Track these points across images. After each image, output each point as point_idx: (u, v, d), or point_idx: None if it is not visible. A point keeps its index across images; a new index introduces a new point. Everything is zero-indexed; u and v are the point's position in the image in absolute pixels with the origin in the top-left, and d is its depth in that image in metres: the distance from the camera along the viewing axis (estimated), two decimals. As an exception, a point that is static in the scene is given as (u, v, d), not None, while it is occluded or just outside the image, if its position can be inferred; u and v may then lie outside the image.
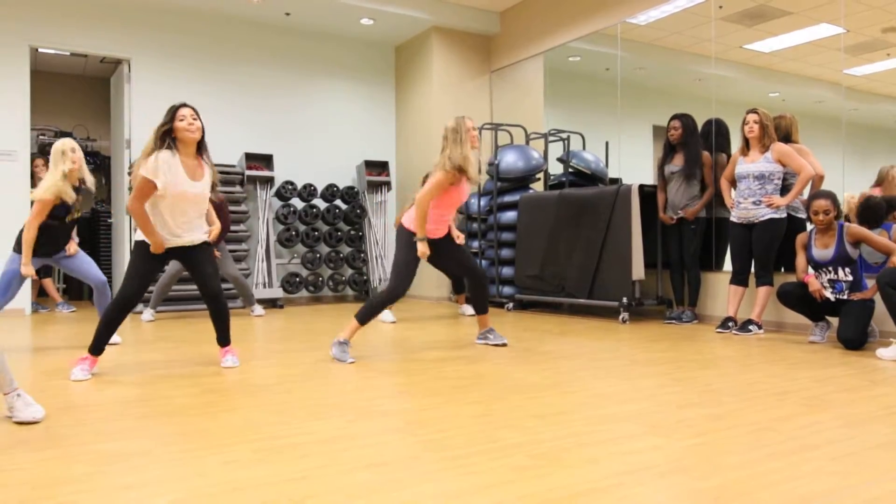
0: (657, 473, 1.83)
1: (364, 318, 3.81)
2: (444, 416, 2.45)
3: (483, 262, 7.05)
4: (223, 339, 3.60)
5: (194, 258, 3.45)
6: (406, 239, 3.95)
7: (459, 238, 4.19)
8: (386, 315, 5.74)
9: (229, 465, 1.91)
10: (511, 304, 6.57)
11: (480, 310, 4.24)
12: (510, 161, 6.78)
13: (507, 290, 6.80)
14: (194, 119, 3.30)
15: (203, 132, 3.35)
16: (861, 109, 5.28)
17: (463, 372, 3.35)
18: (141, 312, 6.26)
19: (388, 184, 8.11)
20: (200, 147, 3.39)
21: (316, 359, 3.77)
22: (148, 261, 3.32)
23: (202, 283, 3.45)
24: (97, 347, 3.30)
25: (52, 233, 4.15)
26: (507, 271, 6.82)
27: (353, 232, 7.91)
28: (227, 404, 2.67)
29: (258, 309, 6.32)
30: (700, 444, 2.10)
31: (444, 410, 2.55)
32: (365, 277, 7.89)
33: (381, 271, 7.94)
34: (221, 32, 7.52)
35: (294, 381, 3.13)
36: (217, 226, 4.99)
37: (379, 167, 8.10)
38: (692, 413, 2.49)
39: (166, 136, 3.26)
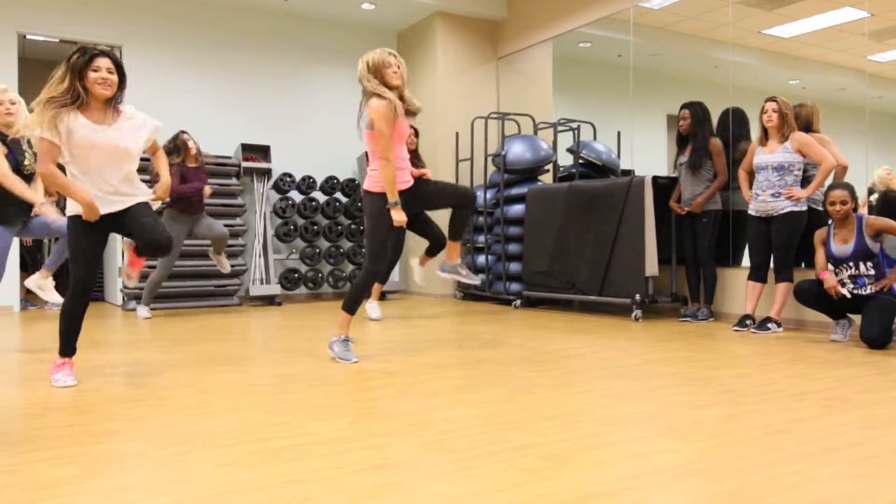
0: (671, 476, 1.84)
1: (351, 306, 3.66)
2: (449, 417, 2.46)
3: (489, 257, 7.06)
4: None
5: (130, 217, 3.14)
6: (373, 206, 3.62)
7: (426, 173, 3.83)
8: (372, 311, 5.72)
9: (226, 467, 1.93)
10: (518, 302, 6.58)
11: (455, 235, 3.90)
12: (517, 152, 6.77)
13: (514, 286, 6.80)
14: (111, 72, 3.03)
15: (119, 86, 3.08)
16: (885, 97, 5.25)
17: (468, 371, 3.36)
18: (135, 309, 6.29)
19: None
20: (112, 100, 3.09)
21: (316, 358, 3.78)
22: (87, 234, 3.05)
23: (143, 234, 3.13)
24: (66, 348, 3.14)
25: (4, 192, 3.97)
26: (514, 267, 6.83)
27: (353, 226, 7.93)
28: (224, 404, 2.68)
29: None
30: (715, 445, 2.11)
31: (448, 411, 2.56)
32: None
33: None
34: (217, 18, 7.53)
35: (293, 381, 3.14)
36: (164, 180, 3.52)
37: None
38: (707, 414, 2.50)
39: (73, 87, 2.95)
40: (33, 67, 9.04)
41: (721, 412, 2.53)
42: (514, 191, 6.84)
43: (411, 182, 3.74)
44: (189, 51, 7.38)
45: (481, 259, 7.22)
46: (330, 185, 7.80)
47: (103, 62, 3.01)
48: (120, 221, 3.15)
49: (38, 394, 2.91)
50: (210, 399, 2.79)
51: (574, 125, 6.92)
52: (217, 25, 7.53)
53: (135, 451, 2.08)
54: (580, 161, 6.67)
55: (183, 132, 6.01)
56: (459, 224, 3.89)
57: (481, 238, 7.23)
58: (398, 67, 3.64)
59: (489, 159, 7.40)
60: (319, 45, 8.10)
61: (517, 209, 6.78)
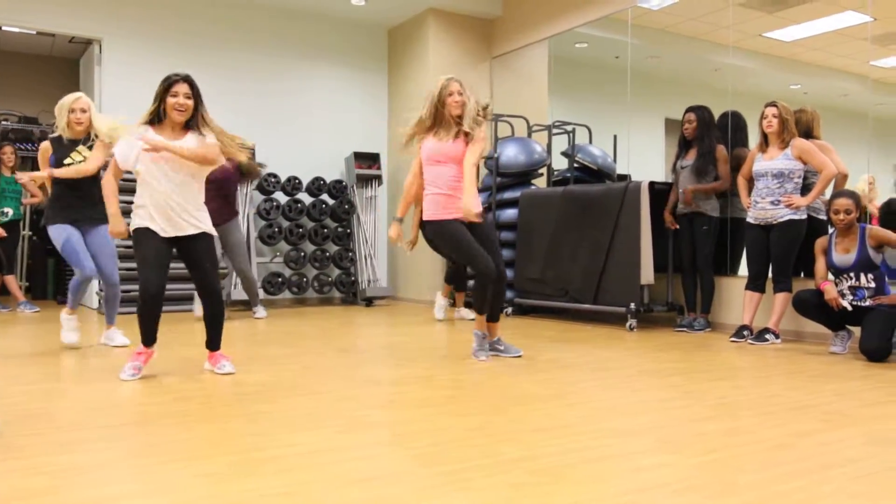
0: (667, 492, 1.83)
1: (480, 306, 3.98)
2: (439, 429, 2.46)
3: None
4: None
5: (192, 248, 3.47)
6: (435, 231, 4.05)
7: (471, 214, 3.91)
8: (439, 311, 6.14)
9: (204, 479, 1.91)
10: (510, 309, 6.58)
11: (480, 309, 4.07)
12: (511, 155, 6.78)
13: (506, 293, 6.79)
14: (188, 98, 3.36)
15: (196, 110, 3.40)
16: (889, 104, 5.30)
17: (459, 381, 3.35)
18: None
19: (378, 177, 8.11)
20: (189, 124, 3.42)
21: (300, 365, 3.77)
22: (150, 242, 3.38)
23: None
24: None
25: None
26: (506, 273, 6.82)
27: (340, 229, 7.91)
28: (203, 413, 2.66)
29: (261, 310, 6.41)
30: (713, 460, 2.11)
31: (438, 422, 2.55)
32: (353, 278, 7.88)
33: (369, 272, 7.93)
34: (201, 13, 7.50)
35: (276, 390, 3.12)
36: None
37: (369, 159, 8.10)
38: (705, 428, 2.50)
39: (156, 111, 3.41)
40: (9, 60, 9.00)
41: (718, 426, 2.54)
42: (507, 195, 6.84)
43: (458, 215, 3.93)
44: (172, 46, 7.34)
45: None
46: (316, 186, 7.78)
47: (181, 88, 3.35)
48: (183, 245, 3.43)
49: (6, 401, 2.87)
50: (189, 408, 2.76)
51: (569, 128, 6.94)
52: (201, 20, 7.50)
53: (109, 461, 2.06)
54: (575, 165, 6.68)
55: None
56: (478, 297, 4.01)
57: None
58: (459, 95, 4.02)
59: (481, 162, 7.40)
60: (308, 42, 8.09)
61: (510, 214, 6.78)
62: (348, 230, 7.97)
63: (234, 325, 5.79)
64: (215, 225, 5.72)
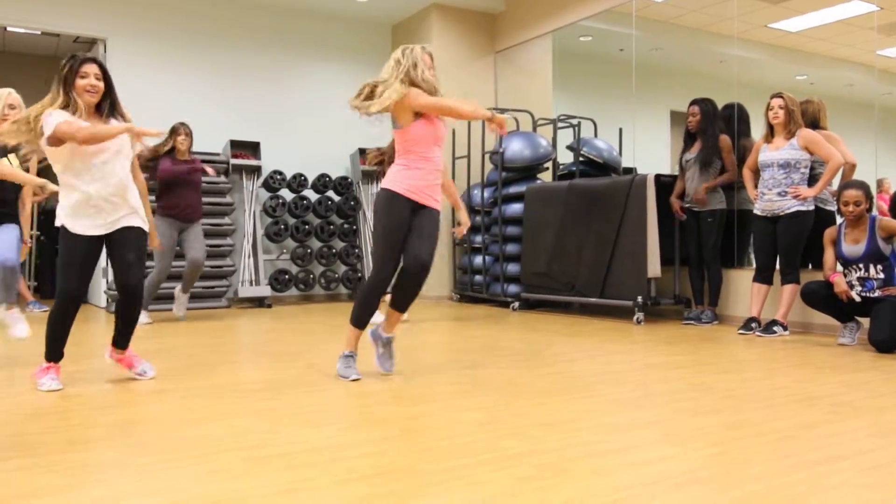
0: (672, 485, 1.83)
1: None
2: (444, 424, 2.46)
3: (487, 258, 7.05)
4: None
5: (117, 241, 3.17)
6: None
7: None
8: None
9: (211, 476, 1.92)
10: (517, 304, 6.58)
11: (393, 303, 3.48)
12: (516, 149, 6.77)
13: (512, 288, 6.80)
14: (98, 79, 3.08)
15: (107, 91, 3.13)
16: (895, 93, 5.27)
17: (463, 376, 3.35)
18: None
19: (384, 173, 8.10)
20: (102, 108, 3.14)
21: (306, 362, 3.78)
22: (78, 244, 3.08)
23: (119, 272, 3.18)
24: (53, 353, 3.14)
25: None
26: (512, 268, 6.83)
27: (346, 226, 7.92)
28: (210, 411, 2.67)
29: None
30: (718, 453, 2.11)
31: (443, 417, 2.55)
32: (359, 275, 7.90)
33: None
34: (205, 11, 7.51)
35: (282, 387, 3.13)
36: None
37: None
38: (710, 420, 2.50)
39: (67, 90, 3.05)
40: (14, 60, 9.03)
41: (725, 418, 2.53)
42: (513, 189, 6.84)
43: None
44: (176, 44, 7.36)
45: (478, 260, 7.21)
46: (322, 183, 7.79)
47: (91, 68, 3.06)
48: (109, 239, 3.15)
49: (16, 399, 2.89)
50: (196, 405, 2.78)
51: (574, 121, 6.92)
52: (205, 18, 7.51)
53: (116, 460, 2.07)
54: (580, 159, 6.67)
55: (181, 123, 5.86)
56: (400, 293, 3.41)
57: (478, 238, 7.23)
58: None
59: (486, 157, 7.40)
60: (312, 39, 8.09)
61: (515, 208, 6.78)
62: (354, 226, 7.97)
63: (240, 322, 5.81)
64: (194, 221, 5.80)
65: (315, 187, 7.79)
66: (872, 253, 4.19)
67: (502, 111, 7.20)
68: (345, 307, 7.12)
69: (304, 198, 7.64)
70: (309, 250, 7.63)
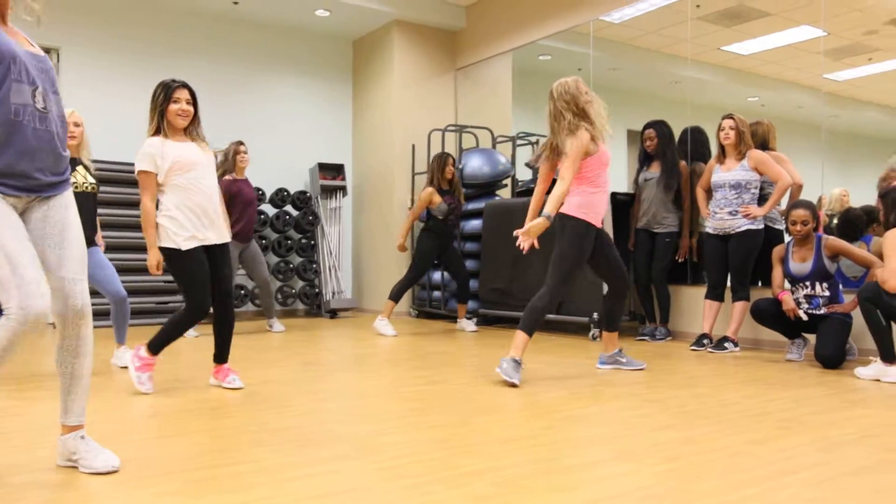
0: (626, 502, 1.85)
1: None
2: (401, 442, 2.45)
3: (445, 274, 7.07)
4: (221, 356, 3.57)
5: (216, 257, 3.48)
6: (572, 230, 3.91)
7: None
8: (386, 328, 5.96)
9: (162, 498, 1.88)
10: (475, 320, 6.59)
11: (607, 324, 4.12)
12: (475, 166, 6.82)
13: (470, 304, 6.82)
14: (189, 104, 3.38)
15: (195, 116, 3.44)
16: (842, 116, 5.45)
17: (423, 393, 3.35)
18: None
19: (343, 188, 8.08)
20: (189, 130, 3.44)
21: (262, 379, 3.73)
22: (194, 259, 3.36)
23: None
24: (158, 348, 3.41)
25: None
26: (471, 284, 6.84)
27: (304, 241, 7.86)
28: (161, 430, 2.62)
29: (278, 324, 6.33)
30: (672, 469, 2.14)
31: (401, 435, 2.55)
32: (317, 290, 7.83)
33: (334, 283, 7.89)
34: (162, 22, 7.42)
35: (237, 404, 3.09)
36: None
37: (334, 170, 8.07)
38: (665, 436, 2.54)
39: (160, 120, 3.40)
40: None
41: (678, 434, 2.57)
42: (472, 206, 6.87)
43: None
44: (132, 55, 7.24)
45: (437, 276, 7.22)
46: (280, 197, 7.73)
47: (182, 94, 3.36)
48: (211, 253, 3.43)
49: (-42, 419, 2.79)
50: (147, 424, 2.72)
51: (533, 139, 7.00)
52: (163, 29, 7.42)
53: (62, 482, 2.01)
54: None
55: (240, 143, 6.00)
56: (610, 311, 4.07)
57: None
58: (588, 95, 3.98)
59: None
60: (272, 53, 8.05)
61: (474, 224, 6.81)
62: (312, 241, 7.92)
63: (193, 339, 5.71)
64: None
65: (273, 202, 7.73)
66: (818, 271, 4.31)
67: (462, 128, 7.26)
68: (302, 323, 7.05)
69: (261, 212, 7.56)
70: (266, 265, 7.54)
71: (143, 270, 6.64)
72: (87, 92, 6.84)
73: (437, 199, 6.03)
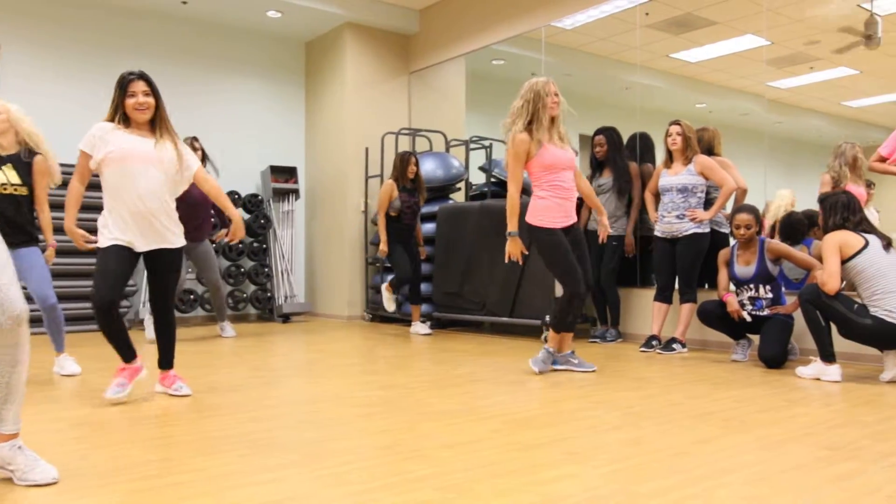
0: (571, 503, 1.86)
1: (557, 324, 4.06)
2: (347, 448, 2.43)
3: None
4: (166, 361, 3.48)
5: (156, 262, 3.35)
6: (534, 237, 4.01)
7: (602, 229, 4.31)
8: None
9: (97, 510, 1.82)
10: (429, 323, 6.58)
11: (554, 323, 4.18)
12: (429, 169, 6.82)
13: (424, 307, 6.80)
14: (147, 95, 3.19)
15: (157, 108, 3.25)
16: (785, 123, 5.61)
17: (371, 398, 3.32)
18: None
19: (296, 191, 8.00)
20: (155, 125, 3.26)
21: (207, 386, 3.66)
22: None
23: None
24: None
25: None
26: (424, 288, 6.83)
27: (256, 244, 7.75)
28: (99, 440, 2.54)
29: (229, 329, 6.21)
30: (616, 470, 2.16)
31: (347, 441, 2.52)
32: (269, 294, 7.73)
33: (286, 288, 7.80)
34: (107, 21, 7.24)
35: (179, 412, 3.02)
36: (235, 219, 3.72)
37: (286, 173, 7.98)
38: (610, 438, 2.56)
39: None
40: None
41: (624, 435, 2.60)
42: (425, 209, 6.86)
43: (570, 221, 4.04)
44: (75, 56, 7.05)
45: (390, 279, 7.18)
46: (231, 200, 7.60)
47: (138, 86, 3.18)
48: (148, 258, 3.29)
49: None
50: (83, 434, 2.64)
51: (486, 143, 7.03)
52: (108, 29, 7.24)
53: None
54: (492, 180, 6.77)
55: (194, 138, 5.84)
56: (563, 312, 4.09)
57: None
58: (557, 96, 4.01)
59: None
60: (222, 53, 7.92)
61: (428, 228, 6.80)
62: (264, 245, 7.82)
63: (136, 345, 5.58)
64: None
65: (224, 204, 7.60)
66: (762, 274, 4.42)
67: (416, 131, 7.25)
68: (253, 327, 6.94)
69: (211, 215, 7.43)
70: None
71: (82, 275, 6.46)
72: (27, 93, 6.63)
73: (396, 193, 6.02)
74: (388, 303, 6.10)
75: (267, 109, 8.21)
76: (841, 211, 3.92)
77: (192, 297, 7.23)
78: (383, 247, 6.07)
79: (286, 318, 7.65)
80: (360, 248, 7.81)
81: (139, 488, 1.99)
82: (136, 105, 3.16)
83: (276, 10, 7.51)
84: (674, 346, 4.87)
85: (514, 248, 3.99)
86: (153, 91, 3.22)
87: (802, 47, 5.48)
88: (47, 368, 4.20)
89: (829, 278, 3.77)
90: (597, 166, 5.66)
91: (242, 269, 7.61)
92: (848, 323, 3.78)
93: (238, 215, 3.47)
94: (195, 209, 5.66)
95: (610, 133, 5.54)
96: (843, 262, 3.82)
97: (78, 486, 2.01)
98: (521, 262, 4.06)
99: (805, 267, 4.44)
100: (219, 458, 2.30)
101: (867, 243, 3.81)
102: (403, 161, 6.11)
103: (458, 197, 7.34)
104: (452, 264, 6.37)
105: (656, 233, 5.10)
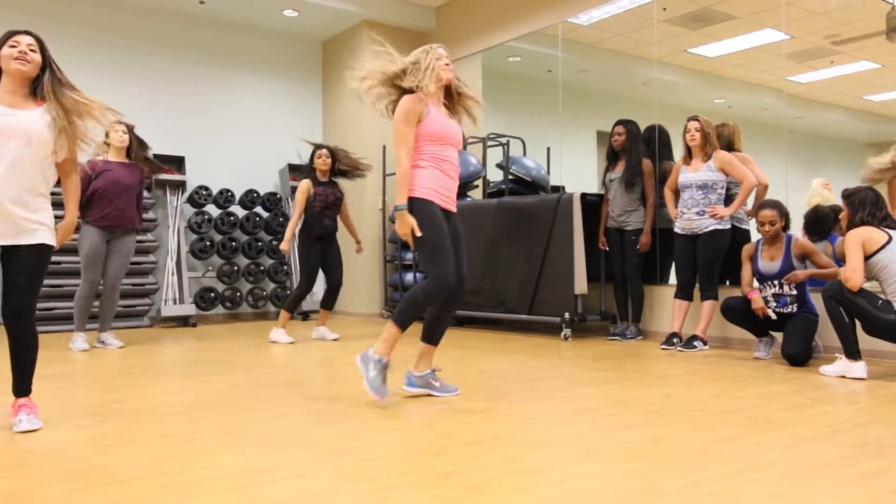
0: (593, 501, 1.85)
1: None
2: (368, 445, 2.42)
3: (417, 275, 7.04)
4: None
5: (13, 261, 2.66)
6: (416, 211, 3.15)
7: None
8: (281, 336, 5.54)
9: (121, 506, 1.83)
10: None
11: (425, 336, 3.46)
12: (446, 167, 6.80)
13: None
14: (32, 50, 2.71)
15: (46, 68, 2.77)
16: (805, 118, 5.54)
17: (390, 395, 3.31)
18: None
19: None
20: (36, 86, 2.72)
21: (229, 383, 3.67)
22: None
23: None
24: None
25: None
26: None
27: (275, 242, 7.78)
28: (124, 436, 2.56)
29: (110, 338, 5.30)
30: (639, 468, 2.14)
31: (368, 438, 2.52)
32: (288, 292, 7.76)
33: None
34: (127, 21, 7.30)
35: (203, 409, 3.03)
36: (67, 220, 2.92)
37: (304, 172, 7.99)
38: (632, 435, 2.54)
39: None
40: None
41: (646, 433, 2.58)
42: (443, 206, 6.85)
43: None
44: (95, 56, 7.12)
45: (409, 277, 7.19)
46: (249, 198, 7.65)
47: (23, 38, 2.71)
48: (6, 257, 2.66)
49: (-89, 428, 2.71)
50: (108, 430, 2.65)
51: (503, 140, 7.01)
52: (127, 29, 7.30)
53: (19, 490, 1.95)
54: (510, 177, 6.75)
55: (117, 121, 5.06)
56: (437, 321, 3.34)
57: (409, 255, 7.21)
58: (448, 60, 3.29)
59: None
60: (239, 52, 7.96)
61: (446, 225, 6.78)
62: (283, 243, 7.84)
63: (161, 342, 5.62)
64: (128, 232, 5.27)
65: (242, 203, 7.64)
66: (787, 270, 4.36)
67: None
68: (272, 325, 6.97)
69: (230, 214, 7.48)
70: (236, 267, 7.46)
71: None
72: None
73: (312, 190, 5.55)
74: (280, 333, 5.53)
75: (285, 108, 8.24)
76: (869, 207, 3.86)
77: (212, 295, 7.26)
78: (283, 245, 5.50)
79: (305, 315, 7.68)
80: (378, 246, 7.82)
81: (163, 484, 2.00)
82: (16, 55, 2.66)
83: (292, 10, 7.53)
84: (695, 343, 4.83)
85: (402, 226, 3.10)
86: (43, 50, 2.77)
87: (823, 42, 5.40)
88: (82, 362, 4.24)
89: (852, 274, 3.71)
90: (612, 158, 5.63)
91: (262, 267, 7.64)
92: (872, 319, 3.73)
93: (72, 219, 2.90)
94: (122, 194, 5.11)
95: (631, 125, 5.52)
96: (867, 258, 3.76)
97: (102, 482, 2.02)
98: (411, 244, 3.15)
99: (825, 276, 4.30)
100: (241, 455, 2.30)
101: (890, 239, 3.76)
102: (312, 157, 5.68)
103: (476, 194, 7.32)
104: (470, 261, 6.35)
105: (676, 229, 5.06)
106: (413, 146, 3.19)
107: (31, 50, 2.71)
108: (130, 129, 5.24)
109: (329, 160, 5.67)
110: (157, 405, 3.12)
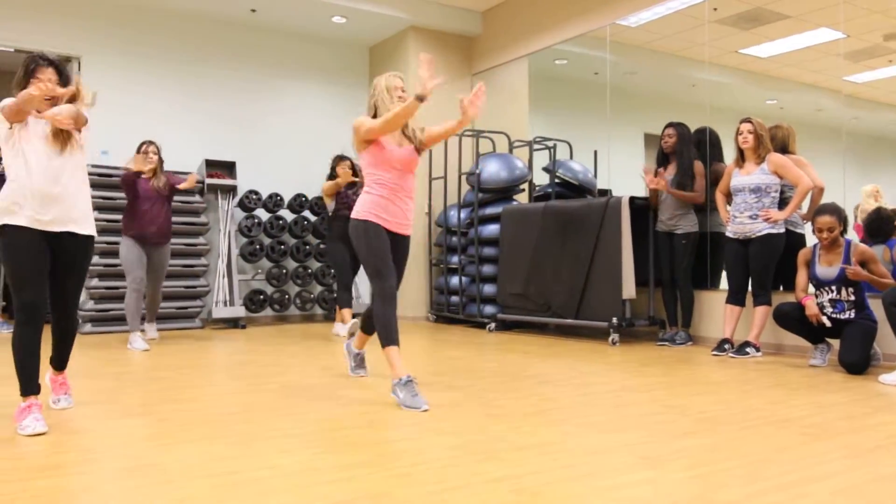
0: (648, 510, 1.83)
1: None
2: (419, 448, 2.44)
3: (463, 278, 7.05)
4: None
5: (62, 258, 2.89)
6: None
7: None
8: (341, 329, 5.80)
9: (182, 503, 1.88)
10: (493, 325, 6.57)
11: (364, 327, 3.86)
12: (492, 170, 6.80)
13: (488, 309, 6.80)
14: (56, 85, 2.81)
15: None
16: (862, 118, 5.38)
17: (439, 399, 3.33)
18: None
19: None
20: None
21: (281, 385, 3.73)
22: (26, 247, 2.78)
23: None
24: (28, 386, 2.76)
25: None
26: (488, 289, 6.82)
27: (322, 246, 7.88)
28: (182, 435, 2.62)
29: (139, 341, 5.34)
30: (694, 476, 2.11)
31: (418, 442, 2.53)
32: (335, 295, 7.84)
33: (353, 289, 7.88)
34: (181, 29, 7.49)
35: (257, 410, 3.09)
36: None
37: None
38: (686, 443, 2.50)
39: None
40: (-14, 78, 8.90)
41: (700, 441, 2.54)
42: (489, 210, 6.86)
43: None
44: (151, 62, 7.32)
45: (455, 281, 7.21)
46: (298, 203, 7.76)
47: (46, 74, 2.83)
48: (55, 247, 2.86)
49: (-18, 424, 2.82)
50: (166, 429, 2.72)
51: (550, 143, 6.98)
52: (181, 37, 7.49)
53: (84, 486, 2.02)
54: (556, 180, 6.71)
55: (148, 143, 5.49)
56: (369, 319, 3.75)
57: (455, 259, 7.23)
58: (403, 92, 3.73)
59: (463, 178, 7.42)
60: (289, 59, 8.09)
61: (492, 229, 6.79)
62: (330, 247, 7.93)
63: (214, 343, 5.74)
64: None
65: (291, 207, 7.76)
66: (845, 276, 4.24)
67: (479, 133, 7.24)
68: (320, 327, 7.06)
69: (279, 217, 7.60)
70: (284, 270, 7.57)
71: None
72: (107, 98, 6.90)
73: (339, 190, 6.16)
74: (344, 327, 5.83)
75: (332, 113, 8.34)
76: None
77: (261, 297, 7.39)
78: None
79: (352, 317, 7.75)
80: (424, 250, 7.86)
81: (220, 483, 2.05)
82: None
83: (341, 16, 7.62)
84: (747, 349, 4.73)
85: (412, 108, 3.65)
86: (63, 81, 2.88)
87: (880, 40, 5.24)
88: (137, 362, 4.35)
89: (914, 280, 3.59)
90: (662, 160, 5.56)
91: (310, 271, 7.74)
92: (936, 327, 3.60)
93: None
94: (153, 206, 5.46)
95: (681, 128, 5.45)
96: (930, 263, 3.64)
97: (162, 480, 2.07)
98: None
99: (880, 285, 4.08)
100: (295, 456, 2.34)
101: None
102: (334, 165, 6.28)
103: (522, 198, 7.30)
104: (517, 265, 6.34)
105: (727, 233, 4.96)
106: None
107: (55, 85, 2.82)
108: (158, 150, 5.58)
109: (350, 171, 6.18)
110: (211, 405, 3.19)
